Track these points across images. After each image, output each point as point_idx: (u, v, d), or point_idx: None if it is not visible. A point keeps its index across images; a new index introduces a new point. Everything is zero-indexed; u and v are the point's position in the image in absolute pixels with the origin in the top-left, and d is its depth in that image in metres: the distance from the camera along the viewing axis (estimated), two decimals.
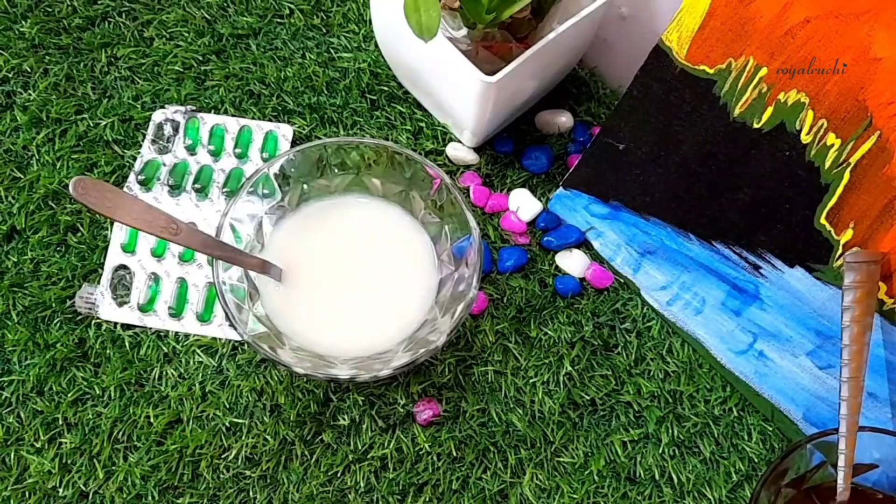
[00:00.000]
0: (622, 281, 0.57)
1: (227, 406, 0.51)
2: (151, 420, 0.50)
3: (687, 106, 0.48)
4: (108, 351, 0.52)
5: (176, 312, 0.53)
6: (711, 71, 0.47)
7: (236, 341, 0.53)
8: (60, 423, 0.50)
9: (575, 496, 0.50)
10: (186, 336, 0.53)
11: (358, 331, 0.49)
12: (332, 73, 0.61)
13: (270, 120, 0.59)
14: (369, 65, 0.61)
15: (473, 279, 0.47)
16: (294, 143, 0.59)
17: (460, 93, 0.52)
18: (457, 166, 0.59)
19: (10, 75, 0.60)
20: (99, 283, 0.53)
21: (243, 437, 0.50)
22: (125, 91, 0.60)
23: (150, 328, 0.53)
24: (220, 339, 0.53)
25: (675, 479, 0.51)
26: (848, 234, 0.45)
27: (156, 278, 0.54)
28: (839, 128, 0.43)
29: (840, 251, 0.45)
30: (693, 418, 0.53)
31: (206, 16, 0.63)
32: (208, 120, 0.59)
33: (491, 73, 0.49)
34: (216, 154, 0.58)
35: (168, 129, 0.58)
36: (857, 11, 0.40)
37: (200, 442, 0.50)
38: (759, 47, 0.44)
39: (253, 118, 0.59)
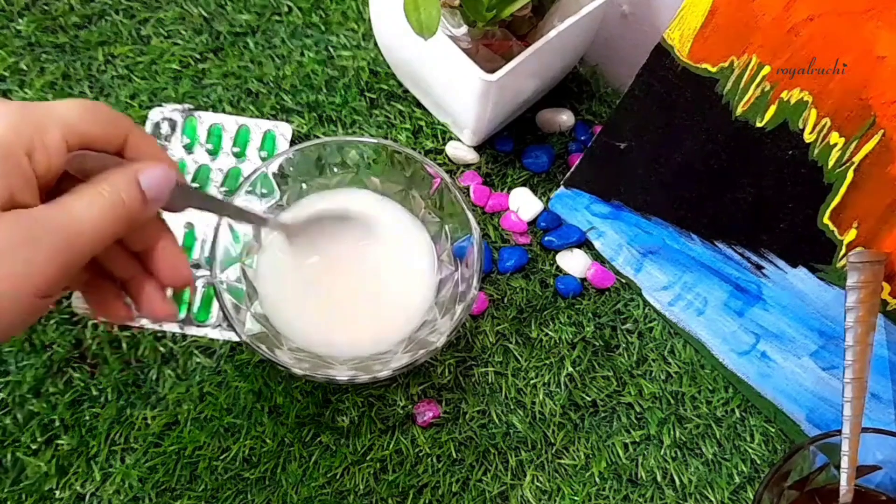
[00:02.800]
0: (624, 281, 0.56)
1: (226, 407, 0.50)
2: (149, 421, 0.50)
3: (689, 105, 0.48)
4: (105, 352, 0.51)
5: None
6: (714, 69, 0.46)
7: (234, 342, 0.52)
8: (57, 424, 0.49)
9: (576, 498, 0.50)
10: (184, 337, 0.52)
11: (357, 331, 0.49)
12: (331, 71, 0.61)
13: (269, 118, 0.59)
14: (368, 63, 0.61)
15: (474, 279, 0.47)
16: (293, 142, 0.58)
17: (460, 91, 0.52)
18: (457, 165, 0.59)
19: (7, 74, 0.59)
20: None
21: (241, 439, 0.50)
22: (122, 89, 0.59)
23: (148, 329, 0.52)
24: (217, 340, 0.52)
25: (677, 481, 0.51)
26: (851, 234, 0.45)
27: None
28: (842, 127, 0.43)
29: (843, 251, 0.45)
30: (695, 420, 0.53)
31: (204, 13, 0.63)
32: (206, 118, 0.58)
33: (491, 71, 0.49)
34: (214, 153, 0.58)
35: (165, 128, 0.58)
36: (860, 9, 0.40)
37: (198, 443, 0.49)
38: (761, 45, 0.44)
39: (251, 117, 0.59)
